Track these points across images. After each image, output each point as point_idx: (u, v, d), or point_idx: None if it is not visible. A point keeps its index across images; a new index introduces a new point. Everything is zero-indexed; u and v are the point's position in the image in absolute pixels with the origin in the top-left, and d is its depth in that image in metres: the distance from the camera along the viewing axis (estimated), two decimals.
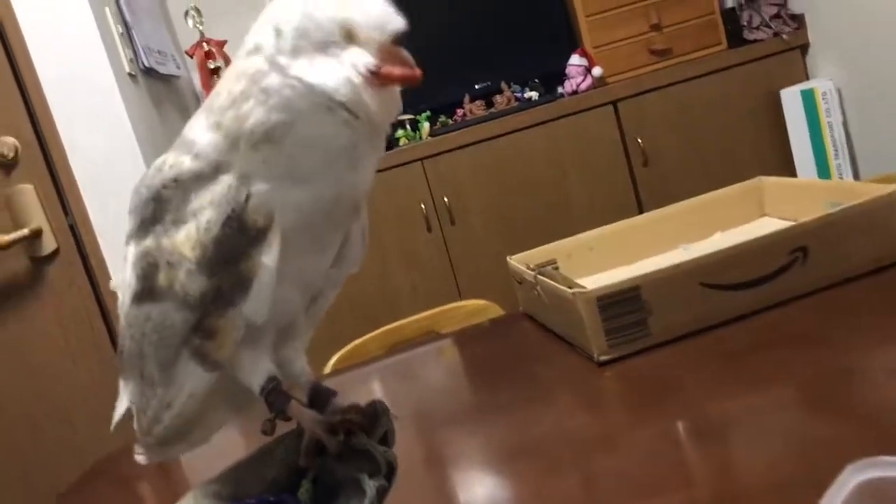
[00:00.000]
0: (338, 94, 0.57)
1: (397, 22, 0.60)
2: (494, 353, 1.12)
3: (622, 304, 0.94)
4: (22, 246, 1.81)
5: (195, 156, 0.59)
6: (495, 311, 1.44)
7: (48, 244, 1.82)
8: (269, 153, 0.57)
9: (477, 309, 1.46)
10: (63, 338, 1.87)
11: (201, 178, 0.59)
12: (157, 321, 0.61)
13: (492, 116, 2.44)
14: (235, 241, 0.58)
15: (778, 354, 0.84)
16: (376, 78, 0.59)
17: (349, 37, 0.59)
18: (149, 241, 0.60)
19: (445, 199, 2.36)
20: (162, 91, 2.28)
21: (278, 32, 0.59)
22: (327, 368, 1.35)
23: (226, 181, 0.58)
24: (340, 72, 0.58)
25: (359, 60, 0.59)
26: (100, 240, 1.84)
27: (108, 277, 1.84)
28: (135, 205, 0.62)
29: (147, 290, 0.61)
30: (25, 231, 1.77)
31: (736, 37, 2.50)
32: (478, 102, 2.53)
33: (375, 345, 1.45)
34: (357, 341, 1.44)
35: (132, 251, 0.62)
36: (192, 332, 0.60)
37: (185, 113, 2.54)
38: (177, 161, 0.60)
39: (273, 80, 0.57)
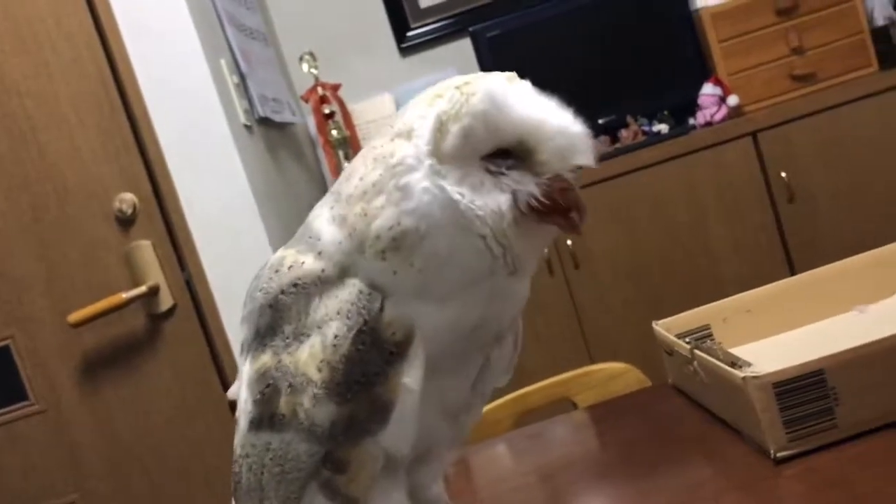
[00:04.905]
0: (483, 223, 0.47)
1: (587, 157, 0.49)
2: (641, 435, 0.98)
3: (803, 391, 0.79)
4: (140, 302, 1.80)
5: (318, 254, 0.49)
6: (635, 376, 1.29)
7: (165, 301, 1.80)
8: (399, 264, 0.47)
9: (615, 373, 1.32)
10: (180, 394, 1.85)
11: (326, 282, 0.49)
12: (279, 453, 0.51)
13: (618, 152, 2.30)
14: (370, 359, 0.48)
15: None
16: (534, 214, 0.48)
17: (524, 153, 0.49)
18: (267, 357, 0.51)
19: (569, 242, 2.22)
20: (277, 139, 2.26)
21: (441, 126, 0.48)
22: None
23: (355, 286, 0.48)
24: (495, 198, 0.47)
25: (522, 189, 0.48)
26: (215, 295, 1.80)
27: (224, 333, 1.80)
28: (249, 311, 0.52)
29: (267, 417, 0.51)
30: (143, 288, 1.76)
31: (889, 57, 2.28)
32: (602, 137, 2.39)
33: (503, 412, 1.33)
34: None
35: (248, 367, 0.52)
36: (321, 463, 0.50)
37: (302, 160, 2.51)
38: (297, 260, 0.50)
39: (415, 179, 0.47)
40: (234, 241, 1.80)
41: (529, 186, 0.49)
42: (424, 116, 0.49)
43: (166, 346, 1.84)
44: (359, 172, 0.49)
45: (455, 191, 0.47)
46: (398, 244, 0.47)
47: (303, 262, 0.50)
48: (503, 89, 0.49)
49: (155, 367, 1.85)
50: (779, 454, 0.78)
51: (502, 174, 0.49)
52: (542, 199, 0.49)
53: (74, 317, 1.75)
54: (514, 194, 0.48)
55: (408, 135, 0.49)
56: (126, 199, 1.78)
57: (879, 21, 2.35)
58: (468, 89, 0.49)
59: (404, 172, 0.47)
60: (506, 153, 0.49)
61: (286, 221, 2.02)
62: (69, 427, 1.86)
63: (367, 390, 0.48)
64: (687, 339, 0.97)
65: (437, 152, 0.48)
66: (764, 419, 0.78)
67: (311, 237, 0.51)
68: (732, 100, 2.29)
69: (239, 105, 1.93)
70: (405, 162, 0.48)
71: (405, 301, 0.48)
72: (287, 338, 0.50)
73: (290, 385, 0.50)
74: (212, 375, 1.84)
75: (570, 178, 0.50)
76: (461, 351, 0.52)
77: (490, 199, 0.48)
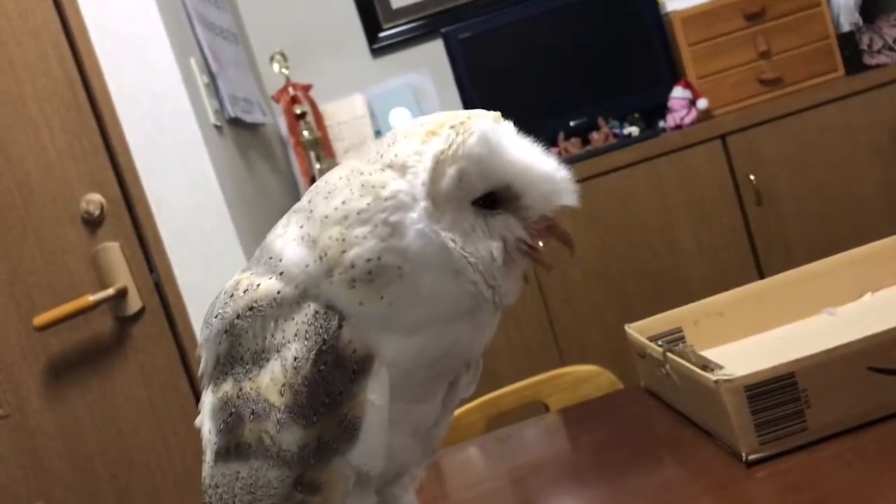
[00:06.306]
0: (475, 270, 0.47)
1: (570, 198, 0.50)
2: (613, 438, 0.99)
3: (775, 393, 0.79)
4: (107, 305, 1.77)
5: (279, 275, 0.48)
6: (607, 378, 1.29)
7: (133, 303, 1.78)
8: (367, 296, 0.46)
9: (586, 376, 1.32)
10: (148, 399, 1.82)
11: (282, 305, 0.48)
12: (249, 481, 0.50)
13: (589, 154, 2.31)
14: (332, 379, 0.47)
15: None
16: (522, 255, 0.50)
17: (510, 197, 0.48)
18: (228, 386, 0.50)
19: (540, 244, 2.22)
20: (248, 140, 2.24)
21: (437, 167, 0.47)
22: None
23: (311, 307, 0.47)
24: (487, 245, 0.48)
25: (511, 235, 0.49)
26: (185, 298, 1.78)
27: (193, 337, 1.78)
28: (205, 338, 0.52)
29: (233, 447, 0.50)
30: (111, 291, 1.73)
31: (854, 62, 2.31)
32: (573, 140, 2.40)
33: (474, 416, 1.33)
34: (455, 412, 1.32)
35: (210, 397, 0.52)
36: (293, 486, 0.50)
37: (272, 161, 2.49)
38: (252, 283, 0.49)
39: (410, 219, 0.46)
40: (204, 243, 1.77)
41: (518, 232, 0.50)
42: (420, 153, 0.47)
43: (134, 350, 1.81)
44: (341, 195, 0.47)
45: (448, 236, 0.47)
46: (372, 277, 0.46)
47: (258, 285, 0.50)
48: (496, 132, 0.49)
49: (123, 372, 1.81)
50: (750, 457, 0.79)
51: (491, 218, 0.49)
52: (531, 243, 0.50)
53: (40, 320, 1.72)
54: (504, 240, 0.49)
55: (401, 169, 0.47)
56: (93, 200, 1.76)
57: (845, 27, 2.38)
58: (464, 129, 0.48)
59: (397, 209, 0.46)
60: (492, 196, 0.49)
61: (257, 222, 2.00)
62: (34, 433, 1.82)
63: (332, 410, 0.47)
64: (659, 342, 0.97)
65: (431, 193, 0.47)
66: (736, 422, 0.79)
67: (271, 258, 0.50)
68: (702, 103, 2.30)
69: (209, 105, 1.91)
70: (398, 198, 0.47)
71: (366, 328, 0.48)
72: (247, 364, 0.50)
73: (253, 412, 0.49)
74: (181, 380, 1.82)
75: (554, 216, 0.51)
76: (428, 378, 0.51)
77: (482, 246, 0.48)
